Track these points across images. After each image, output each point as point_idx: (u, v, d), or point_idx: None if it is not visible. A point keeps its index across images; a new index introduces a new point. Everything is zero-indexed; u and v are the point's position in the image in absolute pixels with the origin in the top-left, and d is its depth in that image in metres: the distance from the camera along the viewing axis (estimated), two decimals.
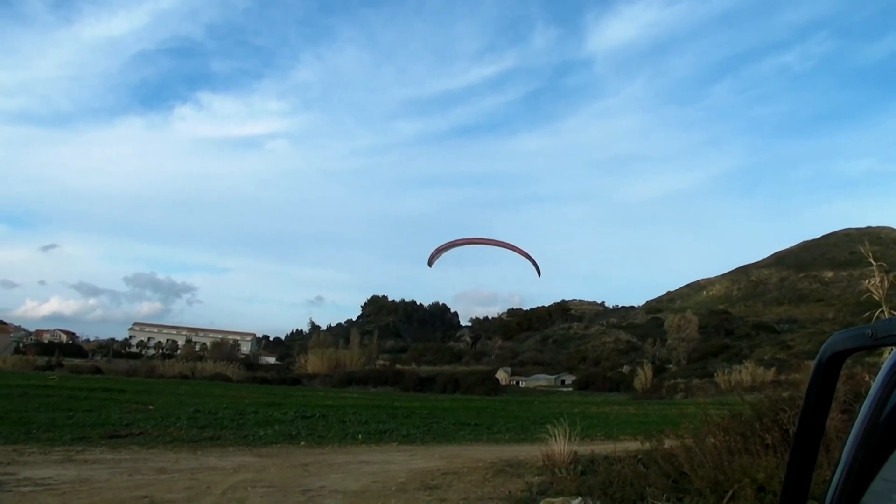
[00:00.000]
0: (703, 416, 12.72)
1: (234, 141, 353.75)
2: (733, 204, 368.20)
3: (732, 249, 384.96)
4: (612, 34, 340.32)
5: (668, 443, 12.77)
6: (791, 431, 10.69)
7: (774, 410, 11.55)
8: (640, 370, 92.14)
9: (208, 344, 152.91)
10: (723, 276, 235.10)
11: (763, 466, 9.64)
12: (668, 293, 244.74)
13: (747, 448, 10.77)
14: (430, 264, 42.02)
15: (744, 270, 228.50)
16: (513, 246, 41.91)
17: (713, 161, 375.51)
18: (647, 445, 13.36)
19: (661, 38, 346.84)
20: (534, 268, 42.17)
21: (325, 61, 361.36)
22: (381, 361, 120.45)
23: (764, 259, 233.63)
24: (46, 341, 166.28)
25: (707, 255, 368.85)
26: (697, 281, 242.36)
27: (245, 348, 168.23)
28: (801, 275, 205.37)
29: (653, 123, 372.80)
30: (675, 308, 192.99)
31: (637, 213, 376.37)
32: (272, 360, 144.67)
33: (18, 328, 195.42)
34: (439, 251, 41.30)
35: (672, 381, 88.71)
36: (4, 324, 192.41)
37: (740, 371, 76.97)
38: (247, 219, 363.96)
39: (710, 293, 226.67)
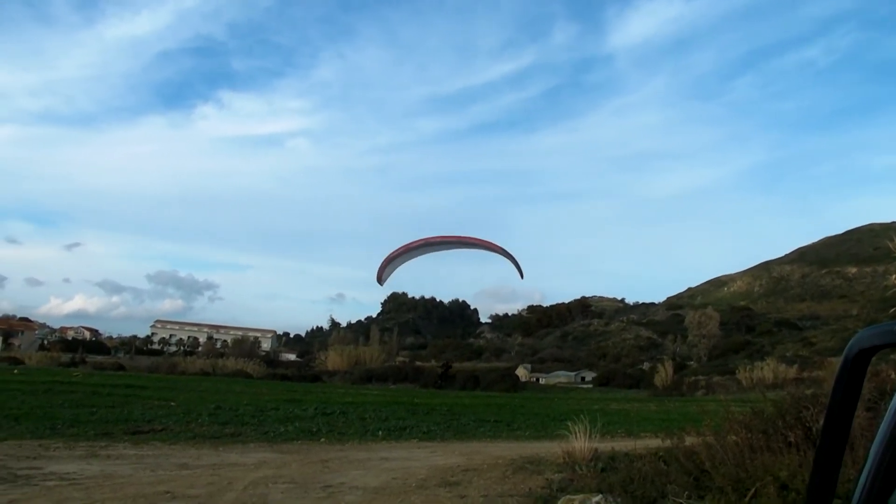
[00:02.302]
0: (725, 414, 12.66)
1: (254, 139, 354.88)
2: (755, 200, 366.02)
3: (754, 245, 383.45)
4: (632, 30, 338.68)
5: (689, 440, 12.70)
6: (815, 429, 10.63)
7: (797, 408, 11.47)
8: (660, 367, 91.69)
9: (229, 341, 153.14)
10: (744, 272, 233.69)
11: (786, 464, 9.57)
12: (689, 290, 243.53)
13: (769, 446, 10.70)
14: (379, 281, 37.83)
15: (765, 266, 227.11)
16: (489, 244, 37.12)
17: (735, 157, 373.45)
18: (667, 443, 13.30)
19: (682, 33, 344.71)
20: (516, 269, 37.95)
21: (345, 59, 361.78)
22: (400, 358, 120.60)
23: (786, 255, 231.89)
24: (70, 338, 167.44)
25: (728, 252, 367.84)
26: (718, 277, 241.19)
27: (266, 345, 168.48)
28: (823, 271, 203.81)
29: (674, 119, 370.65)
30: (696, 304, 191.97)
31: (658, 210, 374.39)
32: (292, 357, 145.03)
33: (43, 325, 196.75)
34: (391, 261, 37.04)
35: (693, 378, 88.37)
36: (30, 321, 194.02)
37: (762, 368, 76.44)
38: (268, 216, 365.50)
39: (732, 290, 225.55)
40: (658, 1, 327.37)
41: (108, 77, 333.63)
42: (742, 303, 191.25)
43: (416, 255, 36.43)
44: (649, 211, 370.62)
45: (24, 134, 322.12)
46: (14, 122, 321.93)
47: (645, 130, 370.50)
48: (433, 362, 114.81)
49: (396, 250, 35.51)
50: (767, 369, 75.33)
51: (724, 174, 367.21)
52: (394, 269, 36.96)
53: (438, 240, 35.90)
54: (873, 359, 2.17)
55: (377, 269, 36.46)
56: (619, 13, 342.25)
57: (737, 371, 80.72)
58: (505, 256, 35.95)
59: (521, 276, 37.69)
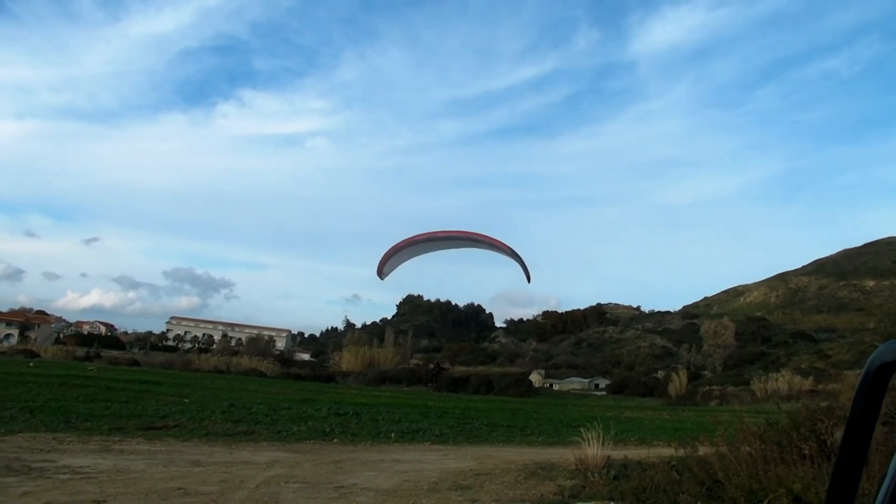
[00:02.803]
0: (739, 424, 12.61)
1: (275, 138, 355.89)
2: (774, 210, 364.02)
3: (771, 256, 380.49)
4: (655, 37, 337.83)
5: (702, 450, 12.66)
6: (829, 442, 10.59)
7: (812, 420, 11.42)
8: (674, 376, 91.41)
9: (244, 339, 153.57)
10: (761, 282, 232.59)
11: (800, 477, 9.53)
12: (705, 299, 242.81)
13: (783, 458, 10.65)
14: (380, 275, 35.58)
15: (782, 278, 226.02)
16: (497, 242, 34.54)
17: (755, 166, 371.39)
18: (680, 452, 13.26)
19: (705, 41, 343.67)
20: (522, 271, 35.56)
21: (367, 60, 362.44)
22: (415, 361, 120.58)
23: (803, 266, 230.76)
24: (86, 332, 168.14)
25: (745, 262, 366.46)
26: (735, 287, 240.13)
27: (280, 344, 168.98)
28: (841, 283, 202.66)
29: (695, 127, 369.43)
30: (712, 314, 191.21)
31: (676, 218, 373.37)
32: (307, 356, 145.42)
33: (59, 319, 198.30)
34: (393, 254, 34.71)
35: (707, 388, 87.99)
36: (46, 314, 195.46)
37: (777, 379, 76.11)
38: (286, 216, 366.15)
39: (748, 300, 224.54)
40: (681, 9, 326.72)
41: (130, 74, 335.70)
42: (758, 313, 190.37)
43: (420, 252, 35.01)
44: (667, 218, 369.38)
45: (46, 129, 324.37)
46: (36, 116, 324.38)
47: (665, 138, 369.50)
48: (447, 365, 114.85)
49: (399, 243, 33.96)
50: (782, 381, 75.00)
51: (744, 183, 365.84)
52: (397, 264, 35.41)
53: (444, 235, 34.35)
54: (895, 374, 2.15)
55: (378, 263, 34.92)
56: (642, 20, 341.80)
57: (751, 382, 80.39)
58: (512, 257, 34.36)
59: (528, 280, 35.75)
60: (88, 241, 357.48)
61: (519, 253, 33.90)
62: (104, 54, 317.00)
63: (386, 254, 33.94)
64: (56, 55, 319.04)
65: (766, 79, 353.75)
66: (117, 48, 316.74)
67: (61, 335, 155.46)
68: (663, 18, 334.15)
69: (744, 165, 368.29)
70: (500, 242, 33.40)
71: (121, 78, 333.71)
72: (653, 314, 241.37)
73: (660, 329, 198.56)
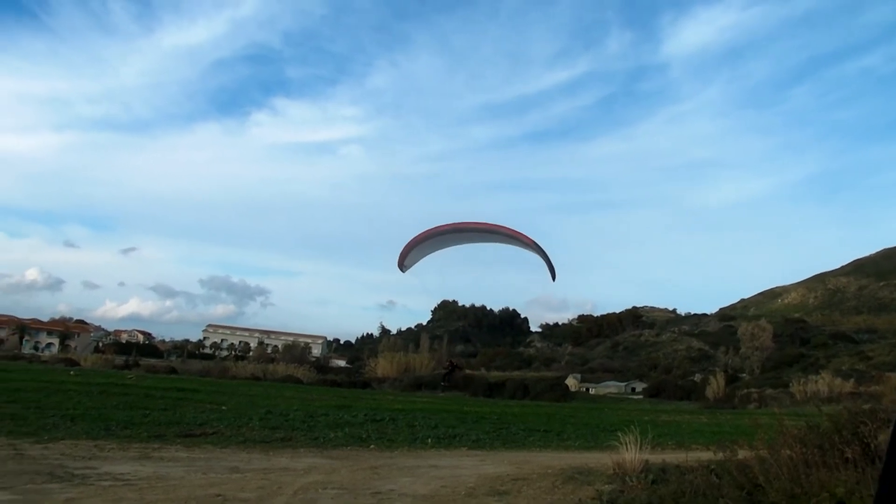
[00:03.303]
0: (778, 427, 12.47)
1: (308, 146, 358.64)
2: (811, 210, 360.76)
3: (809, 257, 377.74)
4: (688, 38, 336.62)
5: (741, 453, 12.52)
6: (873, 445, 10.43)
7: (855, 423, 11.25)
8: (712, 379, 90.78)
9: (280, 346, 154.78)
10: (799, 283, 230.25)
11: (843, 481, 9.39)
12: (742, 301, 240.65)
13: (825, 461, 10.51)
14: (401, 267, 34.28)
15: (820, 278, 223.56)
16: (523, 237, 32.77)
17: (791, 166, 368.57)
18: (720, 455, 13.12)
19: (738, 41, 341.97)
20: (548, 269, 33.67)
21: (399, 67, 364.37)
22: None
23: (842, 267, 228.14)
24: (124, 341, 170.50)
25: (782, 263, 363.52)
26: (772, 289, 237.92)
27: (316, 351, 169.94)
28: (881, 283, 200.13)
29: (729, 128, 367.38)
30: (749, 316, 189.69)
31: (711, 220, 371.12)
32: (342, 363, 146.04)
33: (98, 328, 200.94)
34: (416, 245, 33.37)
35: (745, 391, 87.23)
36: (85, 323, 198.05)
37: (816, 381, 75.28)
38: (320, 223, 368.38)
39: (786, 301, 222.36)
40: (714, 9, 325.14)
41: (164, 84, 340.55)
42: (796, 315, 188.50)
43: (443, 244, 34.02)
44: (703, 221, 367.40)
45: (83, 140, 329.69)
46: (73, 128, 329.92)
47: (699, 139, 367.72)
48: (483, 371, 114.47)
49: (421, 234, 32.83)
50: (822, 383, 74.16)
51: (780, 184, 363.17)
52: (419, 257, 34.32)
53: (467, 226, 33.07)
54: None
55: (399, 255, 33.77)
56: (674, 21, 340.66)
57: (790, 384, 79.58)
58: (537, 253, 32.91)
59: (553, 278, 33.81)
60: (126, 251, 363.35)
61: (545, 249, 32.93)
62: (139, 66, 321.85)
63: (407, 245, 33.14)
64: (92, 68, 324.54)
65: (800, 78, 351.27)
66: (152, 59, 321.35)
67: (100, 344, 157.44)
68: (695, 19, 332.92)
69: (779, 166, 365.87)
70: (526, 237, 32.43)
71: (155, 89, 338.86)
72: (689, 317, 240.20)
73: (696, 332, 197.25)
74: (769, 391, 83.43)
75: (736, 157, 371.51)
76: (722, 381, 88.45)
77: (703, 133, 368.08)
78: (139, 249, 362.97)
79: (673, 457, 16.01)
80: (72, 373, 54.13)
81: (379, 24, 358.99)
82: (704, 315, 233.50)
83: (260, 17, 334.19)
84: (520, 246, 33.00)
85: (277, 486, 12.96)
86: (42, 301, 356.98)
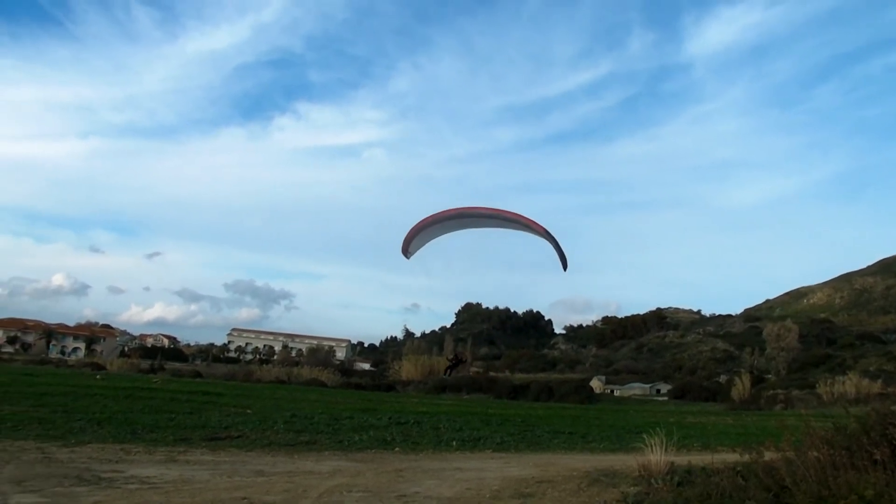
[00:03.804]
0: (805, 429, 12.38)
1: (331, 150, 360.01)
2: (837, 209, 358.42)
3: (835, 256, 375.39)
4: (711, 37, 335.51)
5: (768, 455, 12.43)
6: None
7: (883, 424, 11.14)
8: (737, 380, 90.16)
9: (304, 350, 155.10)
10: (824, 283, 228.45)
11: (871, 483, 9.31)
12: (767, 301, 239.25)
13: (853, 463, 10.41)
14: (405, 253, 33.07)
15: (847, 278, 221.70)
16: (532, 223, 31.12)
17: (816, 165, 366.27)
18: (746, 457, 13.04)
19: (762, 39, 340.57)
20: (558, 257, 32.04)
21: (421, 70, 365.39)
22: (474, 369, 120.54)
23: (868, 266, 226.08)
24: (150, 345, 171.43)
25: (808, 263, 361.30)
26: (798, 289, 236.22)
27: (340, 354, 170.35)
28: None
29: (753, 128, 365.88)
30: (775, 316, 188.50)
31: (736, 220, 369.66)
32: (367, 366, 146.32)
33: (124, 332, 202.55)
34: (420, 231, 32.20)
35: (771, 392, 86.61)
36: (111, 328, 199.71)
37: (843, 382, 74.41)
38: (344, 226, 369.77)
39: (811, 301, 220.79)
40: (737, 8, 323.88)
41: (188, 90, 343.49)
42: (822, 315, 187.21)
43: (448, 229, 32.87)
44: (727, 221, 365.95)
45: (108, 146, 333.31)
46: (99, 135, 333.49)
47: (723, 139, 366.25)
48: (507, 373, 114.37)
49: (425, 219, 31.76)
50: (849, 384, 73.32)
51: (805, 183, 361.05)
52: (424, 242, 33.23)
53: (474, 211, 31.98)
54: None
55: (403, 241, 32.69)
56: (697, 21, 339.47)
57: (817, 385, 78.76)
58: (547, 240, 31.49)
59: (565, 267, 32.60)
60: (151, 256, 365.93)
61: (556, 238, 31.60)
62: (163, 72, 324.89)
63: (411, 231, 32.24)
64: (117, 75, 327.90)
65: (825, 76, 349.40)
66: (175, 65, 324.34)
67: (126, 348, 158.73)
68: (718, 18, 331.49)
69: (805, 165, 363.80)
70: (535, 223, 31.26)
71: (179, 94, 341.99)
72: (714, 318, 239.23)
73: (721, 333, 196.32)
74: (795, 392, 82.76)
75: (761, 157, 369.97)
76: (747, 383, 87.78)
77: (727, 133, 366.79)
78: (164, 254, 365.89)
79: (699, 459, 15.91)
80: (98, 377, 54.51)
81: (401, 27, 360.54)
82: (729, 316, 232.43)
83: (282, 22, 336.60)
84: (527, 231, 31.99)
85: (303, 490, 12.98)
86: (68, 306, 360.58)
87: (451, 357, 77.75)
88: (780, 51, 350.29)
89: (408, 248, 32.73)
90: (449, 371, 70.38)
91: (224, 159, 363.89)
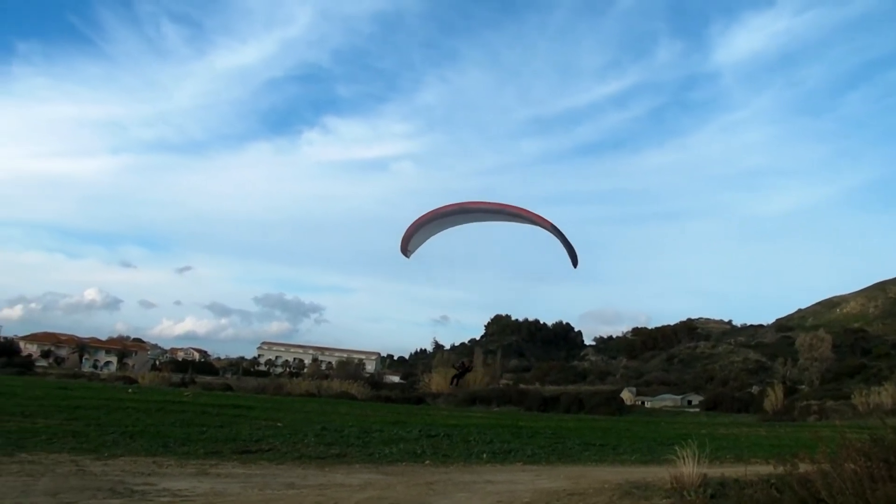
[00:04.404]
0: (841, 440, 12.23)
1: (359, 163, 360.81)
2: (869, 217, 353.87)
3: (868, 265, 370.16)
4: (738, 45, 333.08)
5: (802, 467, 12.29)
6: None
7: None
8: (770, 391, 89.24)
9: (334, 363, 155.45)
10: (858, 292, 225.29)
11: None
12: (799, 311, 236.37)
13: (892, 475, 10.25)
14: (404, 252, 31.84)
15: (881, 287, 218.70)
16: (538, 218, 29.67)
17: (848, 173, 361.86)
18: (780, 469, 12.89)
19: (790, 47, 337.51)
20: (567, 254, 30.14)
21: (448, 83, 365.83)
22: (504, 381, 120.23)
23: None
24: (181, 359, 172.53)
25: (841, 271, 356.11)
26: (830, 298, 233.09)
27: (370, 367, 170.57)
28: None
29: (783, 136, 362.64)
30: (807, 326, 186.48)
31: (766, 229, 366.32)
32: (396, 379, 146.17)
33: (155, 346, 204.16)
34: (419, 227, 30.90)
35: (804, 403, 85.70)
36: (143, 342, 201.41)
37: (879, 393, 73.40)
38: (372, 239, 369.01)
39: (845, 311, 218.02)
40: (765, 15, 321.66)
41: (217, 105, 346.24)
42: (856, 324, 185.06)
43: (449, 224, 31.63)
44: (758, 230, 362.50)
45: (139, 162, 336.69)
46: (129, 151, 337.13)
47: (752, 148, 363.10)
48: (537, 385, 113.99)
49: (424, 216, 30.52)
50: (886, 394, 72.28)
51: (836, 191, 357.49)
52: (424, 239, 32.02)
53: (475, 206, 30.70)
54: None
55: (401, 239, 31.36)
56: (724, 29, 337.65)
57: (852, 396, 77.83)
58: (555, 235, 29.80)
59: (575, 264, 30.50)
60: (181, 270, 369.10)
61: (564, 232, 29.77)
62: (192, 88, 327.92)
63: (409, 229, 31.09)
64: (147, 91, 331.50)
65: (856, 82, 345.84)
66: (204, 81, 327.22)
67: (157, 362, 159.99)
68: (746, 26, 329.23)
69: (836, 173, 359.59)
70: (541, 217, 29.81)
71: (208, 110, 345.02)
72: (745, 328, 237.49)
73: (753, 343, 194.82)
74: (830, 403, 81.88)
75: (791, 165, 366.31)
76: (780, 393, 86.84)
77: (756, 141, 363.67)
78: (194, 268, 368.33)
79: (732, 471, 15.77)
80: (130, 390, 54.94)
81: (427, 40, 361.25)
82: (761, 326, 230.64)
83: (309, 37, 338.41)
84: (532, 226, 30.46)
85: (334, 502, 12.99)
86: (101, 320, 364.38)
87: (457, 365, 77.34)
88: (810, 58, 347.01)
89: (407, 247, 31.84)
90: (456, 380, 69.29)
91: (253, 174, 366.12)
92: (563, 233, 29.60)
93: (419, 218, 30.53)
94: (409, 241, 31.33)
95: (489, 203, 30.84)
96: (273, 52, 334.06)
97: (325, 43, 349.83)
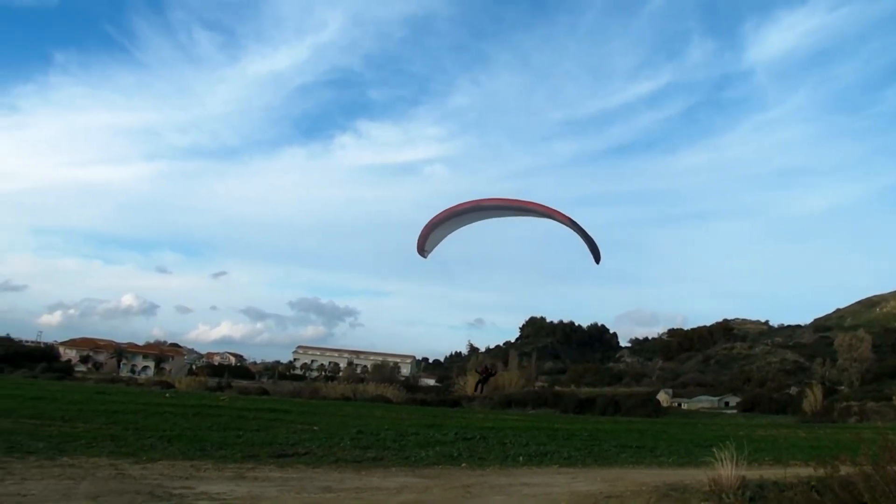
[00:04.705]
0: (883, 442, 12.05)
1: (392, 167, 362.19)
2: None
3: None
4: (771, 43, 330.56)
5: (843, 469, 12.13)
6: None
7: None
8: (808, 392, 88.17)
9: (369, 366, 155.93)
10: None
11: None
12: (837, 311, 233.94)
13: None
14: (421, 252, 32.01)
15: None
16: (555, 213, 29.02)
17: (885, 170, 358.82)
18: (820, 471, 12.73)
19: (825, 44, 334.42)
20: (589, 249, 29.58)
21: (480, 86, 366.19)
22: (539, 383, 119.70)
23: None
24: (217, 363, 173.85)
25: (880, 270, 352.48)
26: (869, 297, 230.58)
27: (405, 370, 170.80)
28: None
29: (818, 134, 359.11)
30: (846, 326, 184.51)
31: (803, 228, 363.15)
32: (431, 382, 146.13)
33: (192, 351, 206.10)
34: (435, 227, 30.81)
35: (844, 404, 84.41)
36: (179, 347, 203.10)
37: None
38: (406, 243, 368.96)
39: (884, 310, 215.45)
40: (798, 12, 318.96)
41: (250, 111, 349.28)
42: None
43: (465, 222, 31.56)
44: (794, 229, 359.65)
45: (173, 169, 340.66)
46: (164, 157, 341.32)
47: (787, 146, 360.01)
48: (572, 387, 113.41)
49: (439, 215, 30.51)
50: None
51: (874, 189, 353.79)
52: (441, 238, 32.02)
53: (490, 203, 30.35)
54: None
55: (418, 239, 31.40)
56: (757, 27, 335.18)
57: (894, 397, 76.81)
58: (576, 232, 29.10)
59: (597, 260, 29.82)
60: (217, 275, 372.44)
61: (583, 227, 29.43)
62: (225, 94, 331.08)
63: (425, 228, 31.17)
64: (181, 98, 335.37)
65: (891, 78, 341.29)
66: (237, 87, 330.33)
67: (194, 366, 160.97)
68: (779, 24, 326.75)
69: (873, 170, 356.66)
70: (559, 212, 29.37)
71: (241, 116, 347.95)
72: (782, 328, 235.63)
73: (790, 343, 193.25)
74: (870, 404, 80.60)
75: (827, 163, 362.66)
76: (819, 395, 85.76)
77: (790, 140, 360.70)
78: (229, 273, 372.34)
79: (771, 473, 15.62)
80: (167, 395, 55.29)
81: (458, 44, 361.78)
82: (798, 326, 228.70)
83: (341, 42, 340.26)
84: (549, 220, 29.96)
85: None
86: (138, 325, 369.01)
87: (479, 369, 76.43)
88: (844, 54, 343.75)
89: (423, 246, 32.02)
90: (480, 386, 67.11)
91: (286, 179, 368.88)
92: (582, 227, 29.27)
93: (434, 217, 30.66)
94: (426, 241, 31.51)
95: (504, 200, 30.69)
96: (305, 57, 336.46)
97: (357, 48, 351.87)
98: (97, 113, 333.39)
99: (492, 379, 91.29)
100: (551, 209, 29.54)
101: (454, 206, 30.54)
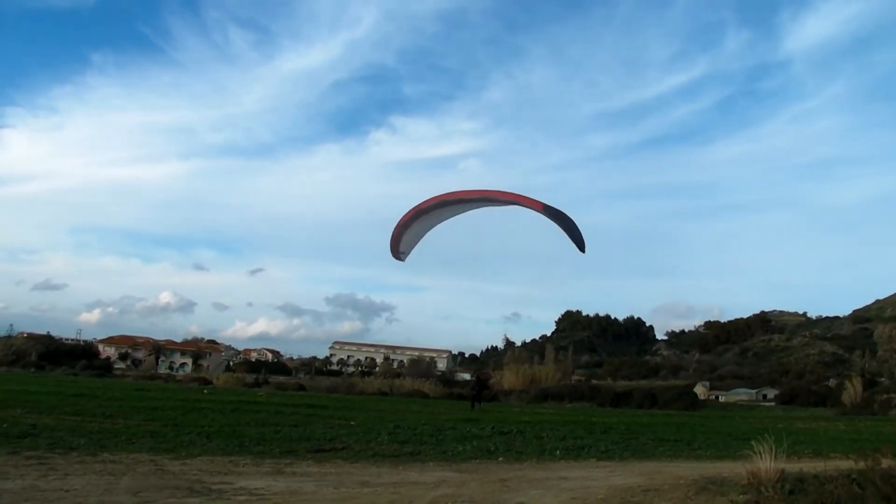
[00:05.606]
0: None
1: (427, 162, 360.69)
2: None
3: None
4: (808, 32, 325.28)
5: (885, 462, 12.01)
6: None
7: None
8: (848, 384, 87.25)
9: (405, 361, 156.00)
10: None
11: None
12: (877, 301, 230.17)
13: None
14: (395, 254, 30.53)
15: None
16: (523, 198, 27.83)
17: None
18: (861, 464, 12.61)
19: (862, 31, 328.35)
20: (569, 237, 26.82)
21: (514, 79, 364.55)
22: (576, 377, 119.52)
23: None
24: (254, 360, 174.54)
25: None
26: None
27: (441, 365, 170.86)
28: None
29: (857, 123, 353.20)
30: (886, 317, 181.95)
31: (842, 218, 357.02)
32: (468, 376, 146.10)
33: (229, 347, 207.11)
34: (405, 227, 29.51)
35: (885, 396, 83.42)
36: (216, 343, 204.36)
37: None
38: (442, 238, 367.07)
39: None
40: (836, 0, 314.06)
41: (284, 108, 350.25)
42: None
43: (435, 220, 30.64)
44: (832, 220, 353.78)
45: (209, 166, 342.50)
46: (199, 155, 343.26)
47: (825, 136, 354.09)
48: (609, 380, 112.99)
49: (405, 216, 29.26)
50: None
51: None
52: (417, 238, 30.93)
53: (456, 197, 29.28)
54: None
55: (390, 242, 30.04)
56: (794, 16, 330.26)
57: None
58: (553, 219, 27.04)
59: (582, 248, 26.91)
60: (253, 272, 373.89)
61: (563, 211, 27.35)
62: (260, 92, 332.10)
63: (396, 230, 29.73)
64: (215, 96, 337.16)
65: None
66: (271, 85, 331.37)
67: (231, 363, 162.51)
68: (816, 12, 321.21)
69: None
70: (533, 200, 27.57)
71: (276, 113, 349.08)
72: (820, 320, 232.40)
73: (829, 335, 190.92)
74: None
75: (866, 152, 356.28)
76: (859, 387, 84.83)
77: (829, 129, 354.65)
78: (266, 270, 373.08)
79: (810, 466, 15.50)
80: (205, 391, 55.87)
81: (491, 37, 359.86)
82: (837, 318, 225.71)
83: (374, 38, 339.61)
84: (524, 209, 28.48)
85: (408, 500, 13.04)
86: (175, 323, 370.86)
87: (471, 381, 71.44)
88: (883, 41, 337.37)
89: (398, 249, 30.63)
90: (475, 400, 54.13)
91: (321, 175, 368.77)
92: (561, 212, 27.37)
93: (401, 218, 29.78)
94: (399, 243, 30.42)
95: (469, 192, 30.10)
96: (339, 53, 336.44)
97: (390, 43, 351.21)
98: (133, 112, 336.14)
99: (530, 373, 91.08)
100: (520, 196, 28.40)
101: (419, 203, 29.68)
